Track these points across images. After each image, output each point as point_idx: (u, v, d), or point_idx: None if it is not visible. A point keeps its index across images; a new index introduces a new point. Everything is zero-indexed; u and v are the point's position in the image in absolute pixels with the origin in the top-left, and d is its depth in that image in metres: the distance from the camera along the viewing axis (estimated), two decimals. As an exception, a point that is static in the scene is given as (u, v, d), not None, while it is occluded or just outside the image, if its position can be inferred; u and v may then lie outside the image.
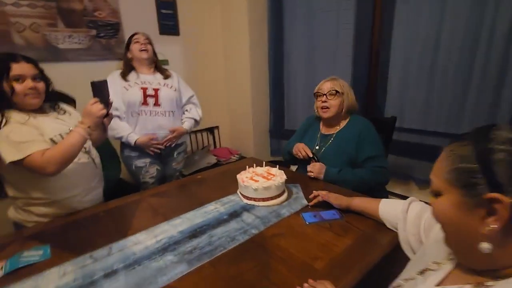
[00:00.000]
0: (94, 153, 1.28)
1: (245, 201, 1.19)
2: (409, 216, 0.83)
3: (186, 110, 1.86)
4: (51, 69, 1.91)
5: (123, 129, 1.64)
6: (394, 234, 0.90)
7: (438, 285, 0.52)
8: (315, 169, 1.38)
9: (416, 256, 0.72)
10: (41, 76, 1.12)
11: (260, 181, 1.18)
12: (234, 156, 2.66)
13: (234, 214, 1.09)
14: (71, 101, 1.56)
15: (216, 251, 0.88)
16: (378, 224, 0.98)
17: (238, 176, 1.26)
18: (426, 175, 1.36)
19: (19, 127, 1.02)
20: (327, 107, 1.44)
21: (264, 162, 1.38)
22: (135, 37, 1.71)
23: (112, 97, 1.12)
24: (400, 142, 1.99)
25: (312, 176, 1.39)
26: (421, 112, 1.90)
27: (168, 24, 2.43)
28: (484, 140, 0.45)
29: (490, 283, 0.45)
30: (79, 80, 1.98)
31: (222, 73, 2.84)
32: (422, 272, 0.58)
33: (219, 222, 1.04)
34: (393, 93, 2.00)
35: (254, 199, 1.17)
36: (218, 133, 2.90)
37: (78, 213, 1.15)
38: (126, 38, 2.15)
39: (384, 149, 1.46)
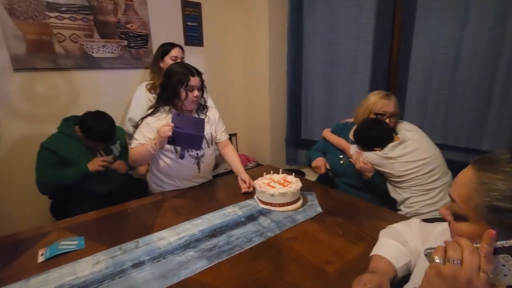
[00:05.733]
0: (206, 161, 1.50)
1: (262, 205, 1.24)
2: (411, 245, 0.79)
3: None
4: (85, 75, 2.09)
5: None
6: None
7: None
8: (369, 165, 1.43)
9: (423, 264, 0.73)
10: (202, 86, 1.41)
11: (277, 187, 1.24)
12: (251, 163, 2.73)
13: (251, 218, 1.15)
14: None
15: (233, 250, 0.94)
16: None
17: (255, 181, 1.32)
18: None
19: (144, 126, 1.36)
20: None
21: (281, 170, 1.44)
22: (173, 52, 1.87)
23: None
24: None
25: (361, 167, 1.42)
26: (441, 126, 1.90)
27: (193, 35, 2.57)
28: None
29: None
30: (110, 85, 2.15)
31: (241, 82, 2.94)
32: None
33: (237, 224, 1.11)
34: (412, 106, 2.01)
35: (271, 204, 1.22)
36: (236, 140, 2.98)
37: (108, 209, 1.25)
38: (154, 48, 2.32)
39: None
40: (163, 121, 1.30)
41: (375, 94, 1.55)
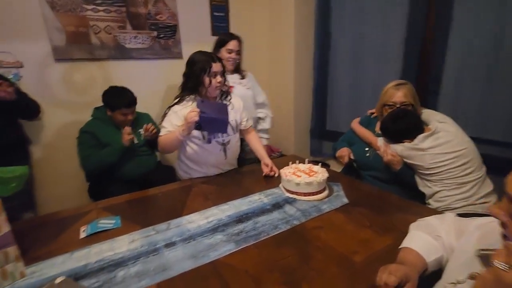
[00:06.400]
0: (232, 148, 1.54)
1: (287, 194, 1.25)
2: (445, 240, 0.76)
3: (261, 118, 2.09)
4: (118, 65, 2.18)
5: None
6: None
7: None
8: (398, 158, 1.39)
9: (458, 260, 0.71)
10: (224, 73, 1.44)
11: (303, 176, 1.24)
12: (275, 153, 2.73)
13: (277, 205, 1.17)
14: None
15: (260, 235, 0.97)
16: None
17: (281, 170, 1.33)
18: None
19: (172, 114, 1.41)
20: None
21: (306, 160, 1.44)
22: (229, 44, 1.85)
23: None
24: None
25: (390, 160, 1.39)
26: (477, 119, 1.79)
27: (220, 25, 2.58)
28: None
29: None
30: (141, 75, 2.23)
31: (266, 72, 2.92)
32: (472, 277, 0.58)
33: (262, 211, 1.13)
34: (446, 97, 1.91)
35: (296, 193, 1.23)
36: (260, 131, 2.99)
37: (141, 192, 1.32)
38: (182, 38, 2.37)
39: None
40: (189, 109, 1.34)
41: (390, 83, 1.52)
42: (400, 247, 0.80)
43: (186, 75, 1.43)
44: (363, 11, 2.23)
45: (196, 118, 1.23)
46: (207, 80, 1.37)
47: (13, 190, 0.85)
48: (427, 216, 0.88)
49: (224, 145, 1.50)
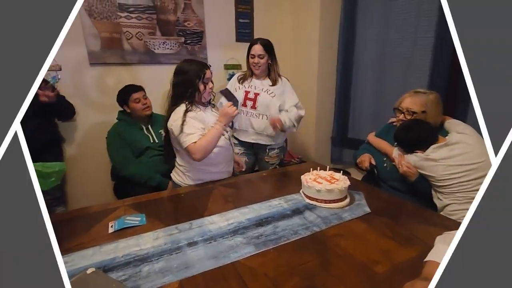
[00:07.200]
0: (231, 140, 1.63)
1: (308, 200, 1.25)
2: None
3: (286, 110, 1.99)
4: (147, 70, 2.27)
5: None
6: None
7: None
8: (413, 169, 1.38)
9: None
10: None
11: (324, 183, 1.24)
12: (295, 159, 2.73)
13: (297, 211, 1.17)
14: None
15: (280, 240, 0.97)
16: (447, 240, 0.95)
17: (302, 176, 1.33)
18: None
19: (191, 120, 1.36)
20: None
21: (328, 167, 1.43)
22: (252, 49, 1.88)
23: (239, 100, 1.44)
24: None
25: (405, 171, 1.39)
26: None
27: (244, 32, 2.64)
28: None
29: None
30: (167, 79, 2.31)
31: (289, 78, 2.92)
32: None
33: (282, 216, 1.13)
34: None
35: (317, 200, 1.22)
36: (281, 136, 2.99)
37: (164, 192, 1.37)
38: (208, 44, 2.44)
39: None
40: (203, 112, 1.44)
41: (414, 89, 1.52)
42: (425, 260, 0.78)
43: (181, 84, 1.41)
44: (390, 18, 2.20)
45: (237, 110, 1.38)
46: (201, 86, 1.42)
47: (52, 184, 0.91)
48: (452, 228, 0.85)
49: (229, 139, 1.58)
